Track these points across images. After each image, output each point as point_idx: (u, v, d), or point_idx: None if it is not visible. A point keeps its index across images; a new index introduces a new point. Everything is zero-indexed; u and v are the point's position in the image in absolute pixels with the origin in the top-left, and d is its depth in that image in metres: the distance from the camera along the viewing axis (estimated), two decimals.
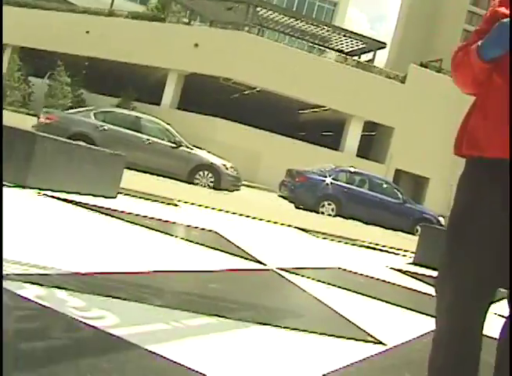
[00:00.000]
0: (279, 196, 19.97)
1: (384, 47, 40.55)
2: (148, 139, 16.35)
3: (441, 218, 19.71)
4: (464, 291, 2.14)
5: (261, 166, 30.46)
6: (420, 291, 6.10)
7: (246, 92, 35.61)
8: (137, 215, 6.73)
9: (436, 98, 33.00)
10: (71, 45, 35.26)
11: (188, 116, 31.12)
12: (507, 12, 2.22)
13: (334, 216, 17.99)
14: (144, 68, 34.79)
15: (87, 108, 18.85)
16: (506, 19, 2.11)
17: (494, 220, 2.13)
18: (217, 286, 4.20)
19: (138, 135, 16.39)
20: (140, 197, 8.76)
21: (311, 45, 44.63)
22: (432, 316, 2.32)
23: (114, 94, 33.88)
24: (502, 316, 2.26)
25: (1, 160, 5.12)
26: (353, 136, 34.57)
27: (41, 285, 2.98)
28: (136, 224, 5.97)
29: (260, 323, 3.33)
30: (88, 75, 36.49)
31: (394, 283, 6.38)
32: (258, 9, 37.70)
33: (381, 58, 71.24)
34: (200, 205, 10.02)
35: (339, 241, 9.85)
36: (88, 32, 35.83)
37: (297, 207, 18.20)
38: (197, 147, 17.31)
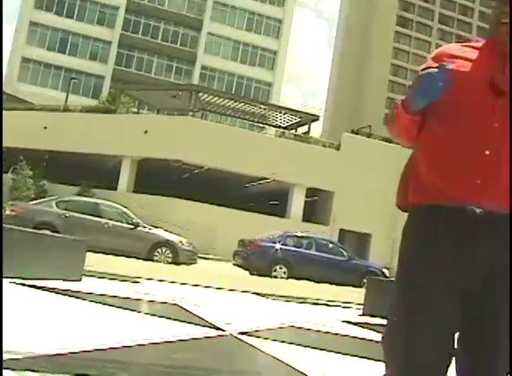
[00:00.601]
0: (234, 264, 19.92)
1: (318, 119, 41.41)
2: (107, 223, 16.29)
3: (385, 270, 19.88)
4: (423, 343, 1.98)
5: (216, 238, 30.38)
6: (371, 340, 6.13)
7: (196, 172, 35.78)
8: (101, 294, 6.66)
9: (369, 160, 33.70)
10: (31, 140, 35.09)
11: (144, 198, 31.04)
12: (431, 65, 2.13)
13: (287, 278, 17.97)
14: (100, 157, 34.76)
15: (49, 198, 18.74)
16: (426, 71, 2.04)
17: (449, 266, 2.00)
18: (181, 356, 4.17)
19: (98, 219, 16.34)
20: (103, 278, 8.67)
21: (251, 123, 45.38)
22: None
23: (74, 183, 33.66)
24: None
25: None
26: (297, 203, 34.89)
27: (14, 369, 2.94)
28: (101, 303, 5.91)
29: None
30: (48, 167, 36.25)
31: (346, 335, 6.40)
32: (200, 94, 38.30)
33: (317, 128, 72.71)
34: (160, 280, 9.95)
35: (292, 301, 9.85)
36: (45, 128, 35.81)
37: (251, 274, 18.15)
38: (154, 227, 17.32)
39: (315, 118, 40.56)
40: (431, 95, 2.02)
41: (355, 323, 7.51)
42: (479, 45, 2.23)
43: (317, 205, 37.02)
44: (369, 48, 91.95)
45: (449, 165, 2.06)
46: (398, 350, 2.01)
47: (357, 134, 39.38)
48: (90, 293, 6.64)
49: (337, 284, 17.08)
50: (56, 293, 6.22)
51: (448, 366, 2.02)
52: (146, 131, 32.96)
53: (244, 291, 10.25)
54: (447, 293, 2.00)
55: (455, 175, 2.04)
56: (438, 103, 2.07)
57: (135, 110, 42.11)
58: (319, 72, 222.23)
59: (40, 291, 6.26)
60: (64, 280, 7.38)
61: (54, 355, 3.43)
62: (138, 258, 15.37)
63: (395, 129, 2.23)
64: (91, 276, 8.43)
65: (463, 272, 2.01)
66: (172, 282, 9.94)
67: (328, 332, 6.43)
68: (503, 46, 2.11)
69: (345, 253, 19.94)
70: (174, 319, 5.58)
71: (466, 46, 2.25)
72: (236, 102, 39.59)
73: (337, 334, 6.42)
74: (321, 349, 5.07)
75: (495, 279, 2.02)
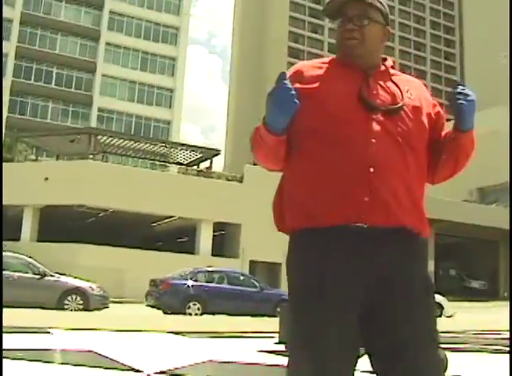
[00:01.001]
0: (147, 305, 19.64)
1: (219, 153, 41.67)
2: (11, 276, 15.74)
3: None
4: (326, 367, 1.93)
5: (126, 281, 29.82)
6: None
7: (101, 215, 35.19)
8: (9, 349, 6.46)
9: (272, 189, 33.89)
10: None
11: (49, 246, 30.18)
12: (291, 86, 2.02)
13: (201, 314, 17.90)
14: None
15: None
16: (274, 87, 1.98)
17: (341, 285, 1.96)
18: None
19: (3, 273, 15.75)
20: (13, 332, 8.40)
21: (153, 162, 45.13)
22: None
23: None
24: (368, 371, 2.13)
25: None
26: (206, 238, 34.83)
27: None
28: (9, 358, 5.73)
29: None
30: None
31: (263, 364, 6.47)
32: (99, 137, 37.80)
33: (219, 162, 73.24)
34: (72, 329, 9.73)
35: (208, 336, 9.86)
36: None
37: (165, 313, 17.96)
38: (62, 274, 16.91)
39: (217, 153, 40.82)
40: (287, 109, 1.96)
41: (271, 352, 7.60)
42: (333, 61, 2.22)
43: (225, 239, 37.10)
44: (263, 77, 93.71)
45: (332, 186, 2.01)
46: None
47: (257, 165, 39.89)
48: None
49: (252, 315, 17.17)
50: None
51: None
52: (46, 178, 32.17)
53: (159, 331, 10.18)
54: (342, 313, 1.97)
55: (338, 195, 2.00)
56: (305, 122, 2.03)
57: (34, 157, 41.08)
58: (216, 107, 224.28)
59: None
60: None
61: None
62: (47, 309, 14.93)
63: (262, 153, 2.15)
64: None
65: (355, 290, 1.98)
66: (85, 329, 9.74)
67: (246, 363, 6.50)
68: (359, 62, 2.14)
69: (257, 284, 20.10)
70: (91, 367, 5.50)
71: (321, 63, 2.21)
72: (136, 142, 39.34)
73: (254, 363, 6.49)
74: None
75: (392, 292, 2.00)
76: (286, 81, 1.98)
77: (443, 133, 2.21)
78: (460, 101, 2.05)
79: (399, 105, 2.08)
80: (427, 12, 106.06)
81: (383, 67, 2.21)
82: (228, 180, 36.75)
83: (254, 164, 40.34)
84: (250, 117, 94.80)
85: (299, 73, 2.16)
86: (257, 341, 9.57)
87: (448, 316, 20.01)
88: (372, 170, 1.99)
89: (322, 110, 2.04)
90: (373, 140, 2.00)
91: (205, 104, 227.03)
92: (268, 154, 2.14)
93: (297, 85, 2.05)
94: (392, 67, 2.24)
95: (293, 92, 1.96)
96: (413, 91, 2.18)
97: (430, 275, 2.14)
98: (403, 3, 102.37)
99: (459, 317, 19.84)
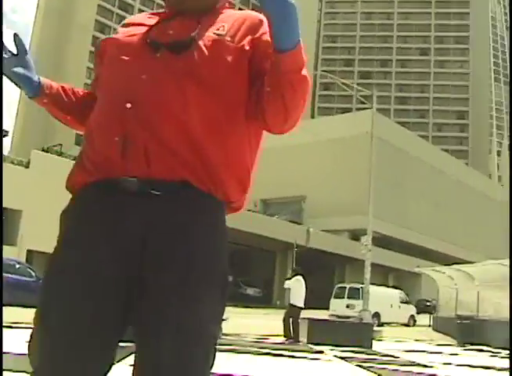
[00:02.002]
0: None
1: (6, 135, 39.43)
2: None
3: None
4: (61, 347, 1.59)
5: None
6: None
7: None
8: None
9: (60, 179, 32.76)
10: None
11: None
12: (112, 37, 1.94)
13: None
14: None
15: None
16: None
17: (96, 249, 1.64)
18: None
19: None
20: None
21: None
22: None
23: None
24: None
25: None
26: None
27: None
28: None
29: None
30: None
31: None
32: None
33: (6, 144, 69.24)
34: None
35: None
36: None
37: None
38: None
39: (4, 134, 38.58)
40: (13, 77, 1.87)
41: None
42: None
43: (4, 225, 35.12)
44: (62, 62, 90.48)
45: (93, 130, 1.76)
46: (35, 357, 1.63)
47: (47, 152, 38.35)
48: None
49: (27, 307, 16.36)
50: None
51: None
52: None
53: None
54: (96, 281, 1.61)
55: (96, 141, 1.74)
56: (102, 73, 1.88)
57: None
58: (8, 85, 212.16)
59: None
60: None
61: None
62: None
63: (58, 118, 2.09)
64: None
65: (114, 256, 1.62)
66: None
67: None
68: (185, 4, 1.88)
69: (33, 273, 19.32)
70: None
71: (154, 14, 2.00)
72: None
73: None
74: None
75: (161, 267, 1.60)
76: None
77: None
78: None
79: (185, 40, 1.76)
80: None
81: (210, 10, 1.90)
82: (14, 164, 34.86)
83: (43, 150, 38.76)
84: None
85: (122, 24, 2.00)
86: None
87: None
88: (129, 106, 1.69)
89: (115, 58, 1.83)
90: (143, 76, 1.72)
91: None
92: (59, 118, 2.08)
93: (113, 36, 1.93)
94: (229, 8, 1.96)
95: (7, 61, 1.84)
96: (230, 25, 1.83)
97: None
98: None
99: (234, 322, 20.49)
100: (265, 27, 1.79)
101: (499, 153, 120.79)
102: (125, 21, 2.02)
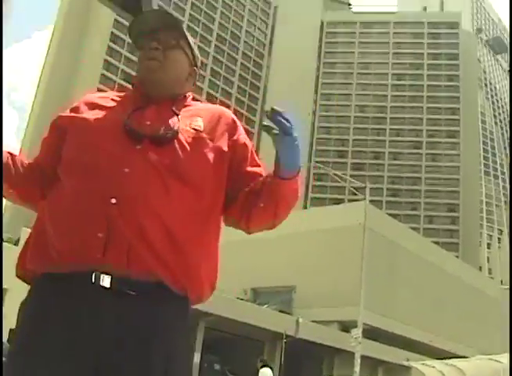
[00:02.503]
0: None
1: None
2: None
3: None
4: None
5: None
6: None
7: None
8: None
9: None
10: None
11: None
12: (69, 114, 1.87)
13: None
14: None
15: None
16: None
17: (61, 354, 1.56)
18: None
19: None
20: None
21: None
22: None
23: None
24: None
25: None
26: None
27: None
28: None
29: None
30: None
31: None
32: None
33: None
34: None
35: None
36: None
37: None
38: None
39: None
40: None
41: None
42: (129, 90, 1.99)
43: None
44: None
45: (69, 222, 1.67)
46: None
47: None
48: None
49: None
50: None
51: None
52: None
53: None
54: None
55: (71, 232, 1.66)
56: (66, 153, 1.80)
57: None
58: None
59: None
60: None
61: None
62: None
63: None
64: None
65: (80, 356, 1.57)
66: None
67: None
68: (155, 89, 1.89)
69: None
70: None
71: (116, 92, 2.00)
72: None
73: None
74: None
75: (125, 357, 1.58)
76: None
77: (250, 169, 1.87)
78: (275, 131, 1.65)
79: (167, 133, 1.75)
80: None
81: (180, 98, 1.94)
82: (3, 241, 34.58)
83: None
84: None
85: (85, 102, 1.92)
86: None
87: None
88: (114, 201, 1.64)
89: (83, 140, 1.77)
90: (126, 170, 1.68)
91: None
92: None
93: (69, 113, 1.87)
94: (194, 100, 1.99)
95: None
96: (206, 121, 1.85)
97: (194, 367, 1.76)
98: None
99: None
100: (240, 128, 1.91)
101: (489, 246, 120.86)
102: (87, 99, 1.94)
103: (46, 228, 1.72)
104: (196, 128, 1.81)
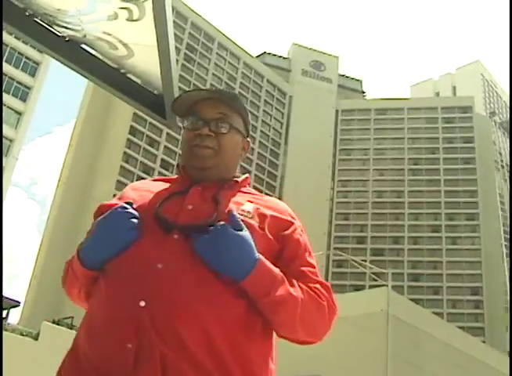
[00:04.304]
0: None
1: (18, 305, 39.26)
2: None
3: None
4: None
5: None
6: None
7: None
8: None
9: None
10: None
11: None
12: (115, 203, 1.66)
13: None
14: None
15: None
16: (106, 215, 1.58)
17: None
18: None
19: None
20: None
21: None
22: None
23: None
24: None
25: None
26: None
27: None
28: None
29: None
30: None
31: None
32: None
33: (16, 313, 68.73)
34: None
35: None
36: None
37: None
38: None
39: (15, 304, 38.42)
40: (118, 242, 1.54)
41: None
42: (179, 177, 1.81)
43: None
44: (78, 233, 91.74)
45: (97, 327, 1.51)
46: None
47: (58, 324, 37.96)
48: None
49: None
50: None
51: None
52: None
53: None
54: None
55: (104, 342, 1.46)
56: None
57: None
58: (24, 254, 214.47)
59: None
60: None
61: None
62: None
63: (69, 286, 1.72)
64: None
65: None
66: None
67: None
68: (207, 176, 1.70)
69: None
70: None
71: (158, 180, 1.82)
72: None
73: None
74: None
75: None
76: (127, 207, 1.58)
77: (300, 268, 1.62)
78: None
79: (207, 222, 1.53)
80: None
81: (231, 183, 1.73)
82: (23, 335, 34.34)
83: (54, 322, 38.29)
84: (58, 271, 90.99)
85: (132, 187, 1.78)
86: None
87: None
88: (143, 304, 1.42)
89: None
90: (159, 265, 1.47)
91: (13, 249, 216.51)
92: (73, 288, 1.70)
93: (112, 201, 1.71)
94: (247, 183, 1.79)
95: (134, 220, 1.54)
96: (255, 208, 1.64)
97: None
98: None
99: None
100: (297, 224, 1.67)
101: None
102: (134, 184, 1.81)
103: (81, 333, 1.57)
104: (244, 213, 1.59)
